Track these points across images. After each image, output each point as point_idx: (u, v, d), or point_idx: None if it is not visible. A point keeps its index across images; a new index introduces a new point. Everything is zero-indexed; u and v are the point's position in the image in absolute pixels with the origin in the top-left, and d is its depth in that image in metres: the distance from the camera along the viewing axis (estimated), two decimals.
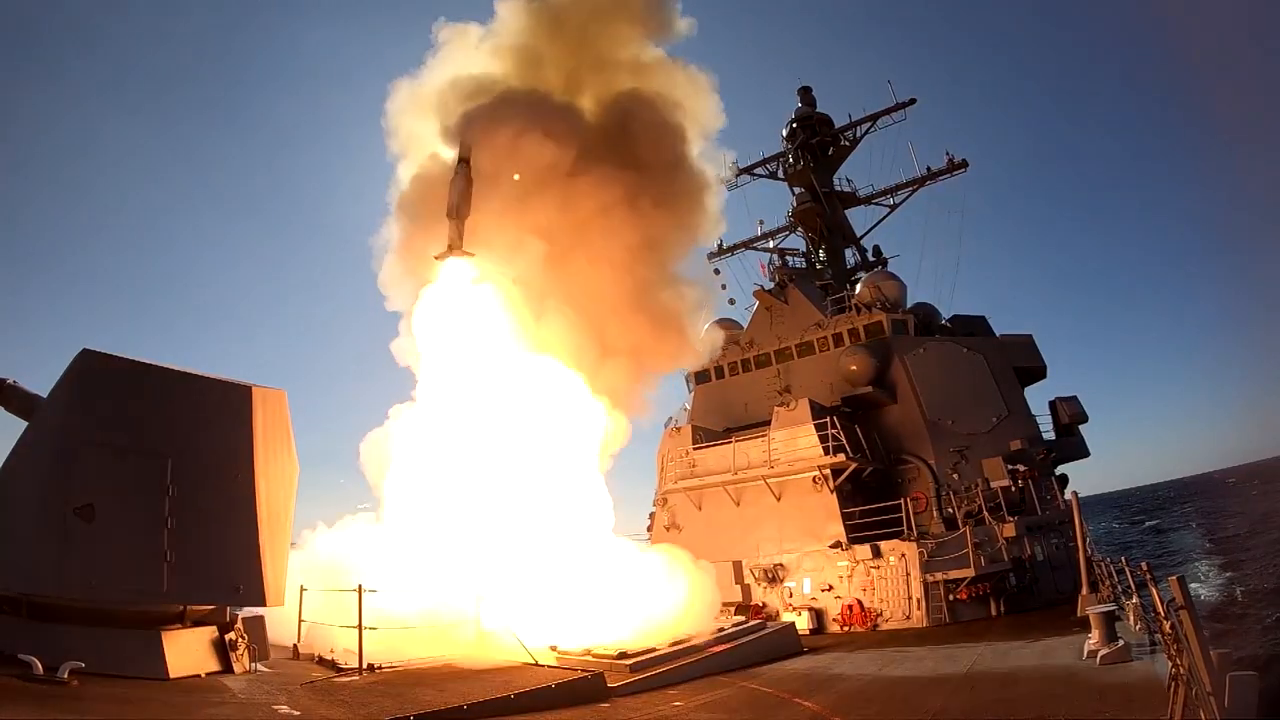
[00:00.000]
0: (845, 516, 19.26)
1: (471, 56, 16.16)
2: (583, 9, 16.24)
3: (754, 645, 13.85)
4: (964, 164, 28.57)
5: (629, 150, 15.46)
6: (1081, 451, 24.10)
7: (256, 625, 9.63)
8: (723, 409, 24.76)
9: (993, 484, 19.49)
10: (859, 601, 18.13)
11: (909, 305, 25.48)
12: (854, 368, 22.15)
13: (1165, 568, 35.10)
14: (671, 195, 16.30)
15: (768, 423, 20.90)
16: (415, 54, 16.80)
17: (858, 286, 26.09)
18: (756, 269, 29.31)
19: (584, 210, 15.00)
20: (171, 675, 8.18)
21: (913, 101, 28.75)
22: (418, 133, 16.08)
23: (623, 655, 11.88)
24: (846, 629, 17.84)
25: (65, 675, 7.28)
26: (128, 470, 8.53)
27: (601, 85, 16.29)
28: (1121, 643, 10.50)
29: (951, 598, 17.30)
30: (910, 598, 17.61)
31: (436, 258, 14.93)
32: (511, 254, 14.85)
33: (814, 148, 29.47)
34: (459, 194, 14.65)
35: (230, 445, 9.32)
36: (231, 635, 9.09)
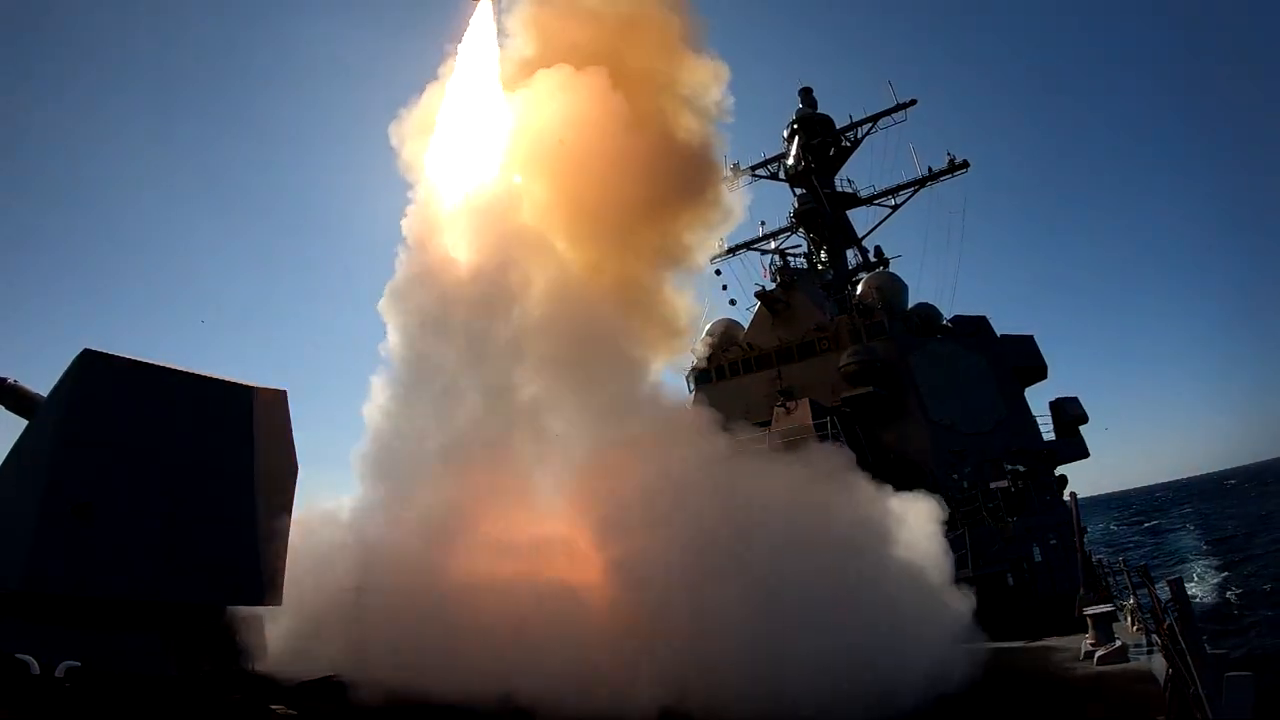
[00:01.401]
0: None
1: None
2: (607, 25, 15.82)
3: None
4: (965, 164, 28.54)
5: (657, 162, 15.13)
6: (1081, 452, 24.12)
7: (255, 624, 9.64)
8: (723, 409, 24.70)
9: (992, 484, 19.48)
10: None
11: (910, 306, 25.48)
12: (855, 368, 22.14)
13: (1163, 568, 35.17)
14: (691, 218, 16.13)
15: (768, 423, 20.87)
16: (422, 53, 16.48)
17: (859, 287, 26.06)
18: (758, 269, 29.23)
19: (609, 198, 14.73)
20: (169, 674, 8.20)
21: (913, 102, 28.72)
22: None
23: None
24: None
25: (62, 675, 7.30)
26: (128, 470, 8.57)
27: (633, 99, 15.81)
28: (1119, 643, 10.51)
29: None
30: None
31: None
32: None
33: (815, 148, 29.46)
34: None
35: (230, 445, 9.36)
36: (230, 634, 9.11)
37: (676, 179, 15.37)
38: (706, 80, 16.25)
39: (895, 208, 29.69)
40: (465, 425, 11.74)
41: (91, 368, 8.74)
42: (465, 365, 12.07)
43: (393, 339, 12.82)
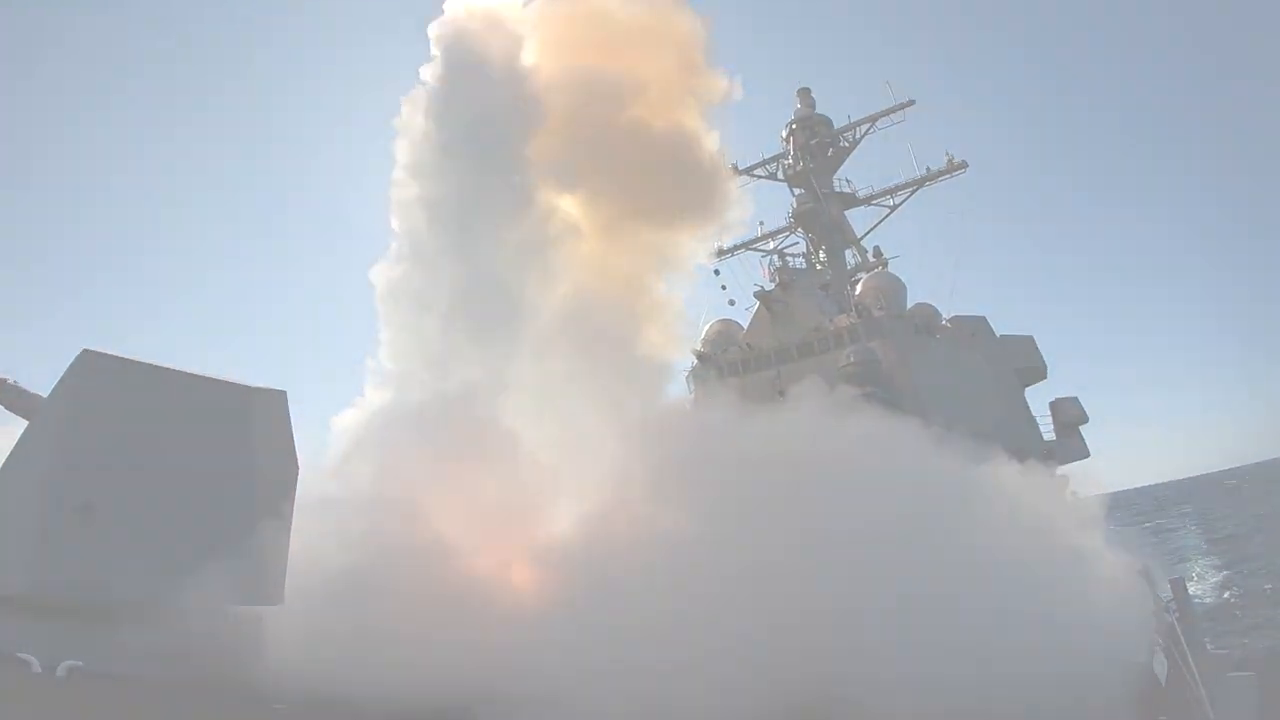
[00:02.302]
0: None
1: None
2: (625, 32, 15.68)
3: None
4: (963, 165, 28.57)
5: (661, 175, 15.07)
6: (1082, 452, 24.11)
7: (255, 624, 9.63)
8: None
9: None
10: None
11: (909, 306, 25.49)
12: (854, 368, 22.12)
13: (1164, 569, 35.12)
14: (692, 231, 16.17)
15: None
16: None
17: (858, 287, 26.07)
18: (757, 269, 29.24)
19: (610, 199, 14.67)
20: (170, 675, 8.19)
21: (911, 103, 28.74)
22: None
23: None
24: None
25: (63, 675, 7.29)
26: (127, 470, 8.56)
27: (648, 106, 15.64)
28: None
29: None
30: None
31: None
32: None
33: (814, 149, 29.47)
34: None
35: (230, 445, 9.35)
36: (229, 635, 9.09)
37: (685, 191, 15.41)
38: (717, 97, 16.28)
39: (894, 208, 29.73)
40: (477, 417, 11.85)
41: (91, 368, 8.72)
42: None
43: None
